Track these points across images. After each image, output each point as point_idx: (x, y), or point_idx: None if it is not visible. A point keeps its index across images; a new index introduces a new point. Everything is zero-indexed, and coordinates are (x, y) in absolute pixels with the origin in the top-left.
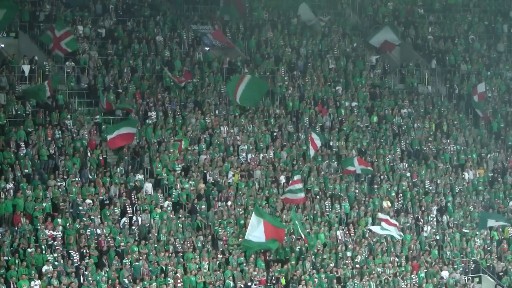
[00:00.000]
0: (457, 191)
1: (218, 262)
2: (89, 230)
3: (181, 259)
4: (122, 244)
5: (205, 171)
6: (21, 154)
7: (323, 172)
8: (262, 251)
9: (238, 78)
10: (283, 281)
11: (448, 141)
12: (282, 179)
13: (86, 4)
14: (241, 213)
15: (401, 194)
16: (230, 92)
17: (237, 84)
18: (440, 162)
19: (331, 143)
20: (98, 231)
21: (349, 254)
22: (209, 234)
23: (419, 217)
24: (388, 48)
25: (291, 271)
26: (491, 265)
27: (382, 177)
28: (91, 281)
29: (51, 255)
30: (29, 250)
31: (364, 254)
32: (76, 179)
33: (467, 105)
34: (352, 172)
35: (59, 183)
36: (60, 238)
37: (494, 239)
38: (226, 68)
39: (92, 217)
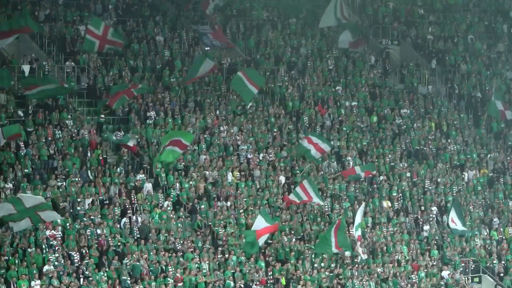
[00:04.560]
0: (457, 191)
1: (218, 262)
2: (89, 230)
3: (181, 259)
4: (121, 244)
5: (205, 171)
6: (22, 154)
7: (323, 172)
8: (262, 250)
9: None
10: (283, 281)
11: (448, 141)
12: (282, 179)
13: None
14: (241, 213)
15: (401, 194)
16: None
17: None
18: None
19: (331, 143)
20: (98, 231)
21: (349, 254)
22: (209, 234)
23: (419, 217)
24: (356, 45)
25: (291, 271)
26: (491, 265)
27: (382, 177)
28: (91, 281)
29: (52, 255)
30: (29, 250)
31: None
32: (76, 179)
33: (467, 105)
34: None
35: (59, 183)
36: (60, 238)
37: (494, 239)
38: (226, 68)
39: (92, 217)
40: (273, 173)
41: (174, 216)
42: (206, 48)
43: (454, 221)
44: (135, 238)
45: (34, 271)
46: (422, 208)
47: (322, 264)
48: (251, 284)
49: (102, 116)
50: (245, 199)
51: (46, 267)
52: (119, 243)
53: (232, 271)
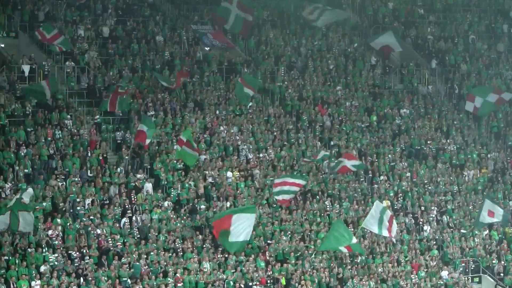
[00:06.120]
0: (457, 191)
1: (218, 262)
2: (90, 230)
3: (181, 259)
4: (121, 244)
5: (205, 171)
6: (22, 154)
7: (323, 172)
8: (262, 251)
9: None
10: (283, 281)
11: (448, 141)
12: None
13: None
14: None
15: (401, 194)
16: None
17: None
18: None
19: (331, 143)
20: (98, 231)
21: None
22: (209, 234)
23: (419, 217)
24: (387, 51)
25: (291, 271)
26: (491, 265)
27: (382, 177)
28: (91, 281)
29: (51, 255)
30: (29, 250)
31: (364, 254)
32: (76, 179)
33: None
34: (346, 170)
35: (59, 183)
36: (60, 238)
37: (494, 238)
38: (226, 68)
39: (92, 217)
40: (273, 173)
41: (174, 216)
42: (206, 48)
43: (492, 211)
44: (135, 238)
45: (34, 271)
46: (422, 208)
47: (321, 264)
48: (251, 284)
49: (97, 117)
50: (245, 199)
51: (42, 267)
52: (119, 243)
53: (232, 271)
